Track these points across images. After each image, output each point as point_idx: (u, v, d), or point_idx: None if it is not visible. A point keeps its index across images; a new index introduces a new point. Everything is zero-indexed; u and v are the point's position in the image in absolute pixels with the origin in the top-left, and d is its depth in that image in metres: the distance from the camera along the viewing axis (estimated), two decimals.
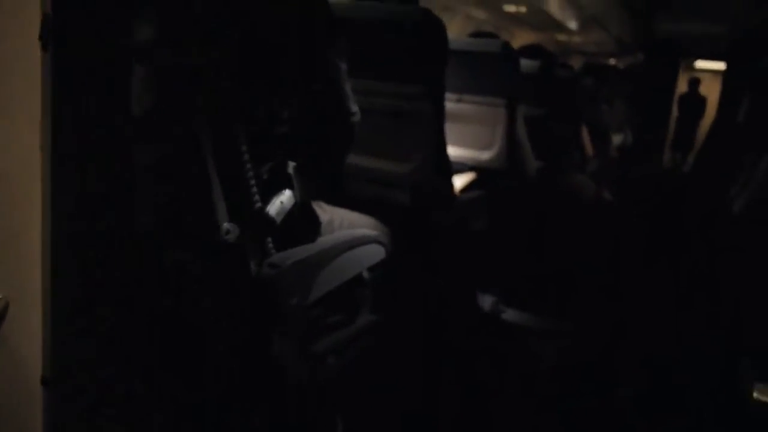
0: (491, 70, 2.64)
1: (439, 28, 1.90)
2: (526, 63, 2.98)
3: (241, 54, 1.09)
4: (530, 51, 3.47)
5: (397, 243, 1.78)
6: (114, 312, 1.13)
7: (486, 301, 2.98)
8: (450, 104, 2.77)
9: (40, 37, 1.01)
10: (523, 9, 5.18)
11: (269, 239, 1.27)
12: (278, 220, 1.23)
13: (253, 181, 1.19)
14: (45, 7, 1.00)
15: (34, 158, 1.08)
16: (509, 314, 2.96)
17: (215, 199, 1.14)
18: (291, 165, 1.28)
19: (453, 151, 2.76)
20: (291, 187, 1.28)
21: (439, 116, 1.98)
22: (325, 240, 1.47)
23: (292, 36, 1.18)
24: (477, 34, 3.23)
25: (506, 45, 2.64)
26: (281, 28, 1.15)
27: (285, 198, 1.26)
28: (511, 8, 5.15)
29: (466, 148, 2.75)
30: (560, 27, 6.05)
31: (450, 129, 2.76)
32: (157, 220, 1.05)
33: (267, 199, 1.24)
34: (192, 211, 1.11)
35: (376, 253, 1.64)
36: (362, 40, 2.00)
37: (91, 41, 0.96)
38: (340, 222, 1.59)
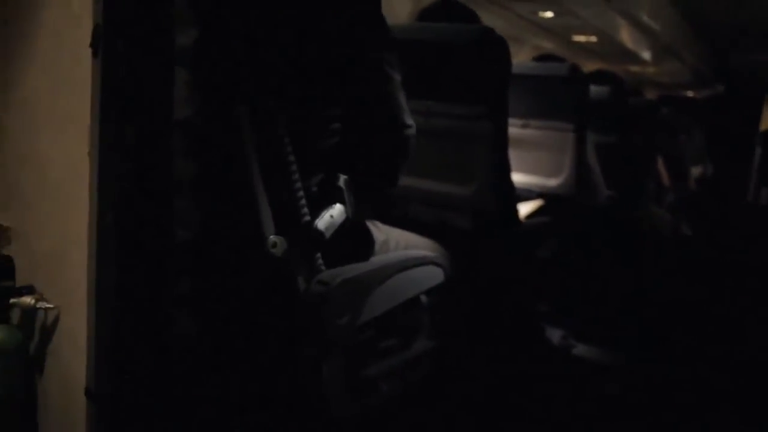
0: (559, 94, 2.55)
1: (501, 48, 1.84)
2: (596, 89, 2.87)
3: (287, 60, 1.06)
4: (599, 77, 3.34)
5: (457, 267, 1.69)
6: (159, 324, 1.09)
7: (554, 334, 2.82)
8: (516, 129, 2.69)
9: (91, 45, 1.01)
10: (593, 38, 5.03)
11: (318, 255, 1.22)
12: (327, 234, 1.18)
13: (301, 193, 1.15)
14: (96, 18, 1.00)
15: (83, 166, 1.07)
16: (580, 349, 2.78)
17: (261, 210, 1.10)
18: (342, 178, 1.23)
19: (519, 178, 2.66)
20: (342, 202, 1.23)
21: (501, 138, 1.90)
22: (378, 259, 1.41)
23: (342, 43, 1.14)
24: (543, 58, 3.15)
25: (574, 68, 2.55)
26: (330, 34, 1.12)
27: (335, 212, 1.21)
28: (580, 38, 5.01)
29: (532, 175, 2.65)
30: (633, 57, 5.84)
31: (516, 155, 2.67)
32: (199, 231, 1.02)
33: (316, 212, 1.19)
34: (236, 223, 1.07)
35: (433, 275, 1.57)
36: (424, 61, 1.96)
37: (138, 47, 0.94)
38: (396, 243, 1.53)
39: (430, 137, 1.94)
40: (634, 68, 6.63)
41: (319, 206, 1.20)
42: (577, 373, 2.61)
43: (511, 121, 2.65)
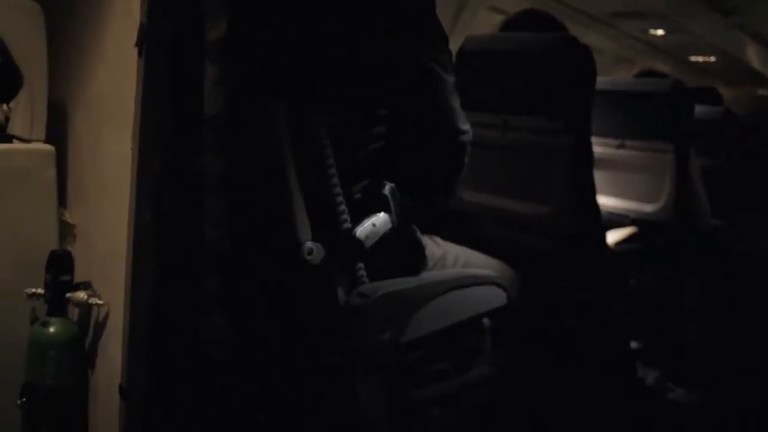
0: (659, 112, 2.35)
1: (585, 57, 1.72)
2: (701, 109, 2.63)
3: (327, 56, 1.01)
4: (705, 95, 3.07)
5: (531, 291, 1.58)
6: (193, 324, 1.07)
7: (648, 375, 2.58)
8: (610, 150, 2.52)
9: (136, 44, 1.02)
10: (711, 59, 4.68)
11: (360, 266, 1.16)
12: (367, 243, 1.12)
13: (341, 198, 1.10)
14: (142, 17, 1.01)
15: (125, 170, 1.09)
16: (678, 394, 2.53)
17: (296, 213, 1.06)
18: (387, 186, 1.17)
19: (612, 202, 2.49)
20: (386, 210, 1.17)
21: (584, 154, 1.77)
22: (430, 274, 1.33)
23: (388, 41, 1.08)
24: (645, 74, 2.94)
25: (677, 84, 2.35)
26: (375, 30, 1.07)
27: (378, 221, 1.15)
28: (698, 58, 4.68)
29: (626, 199, 2.46)
30: (761, 79, 5.39)
31: (609, 177, 2.49)
32: (228, 230, 0.99)
33: (359, 220, 1.14)
34: (270, 226, 1.03)
35: (493, 296, 1.46)
36: (501, 73, 1.88)
37: (172, 44, 0.94)
38: (454, 259, 1.44)
39: (506, 152, 1.85)
40: (762, 92, 6.11)
41: (362, 214, 1.15)
42: (674, 420, 2.36)
43: (605, 140, 2.50)
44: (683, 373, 2.53)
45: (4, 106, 1.35)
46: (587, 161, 1.81)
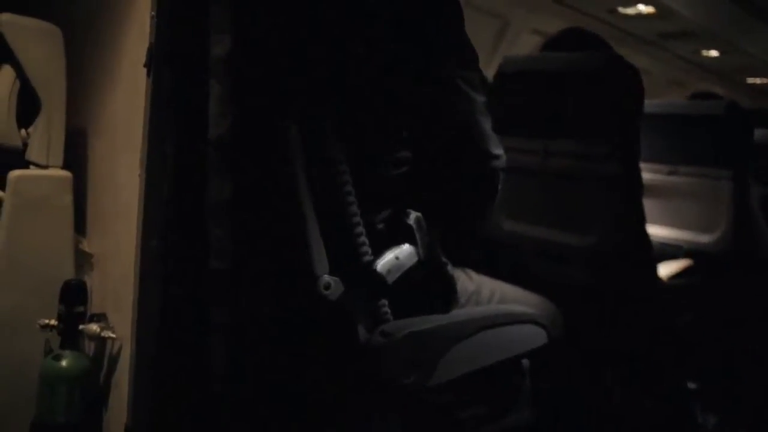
0: (714, 136, 2.22)
1: (632, 77, 1.61)
2: (760, 132, 2.47)
3: (343, 72, 0.94)
4: (764, 118, 2.89)
5: (573, 329, 1.47)
6: (200, 359, 1.00)
7: (708, 420, 2.39)
8: (660, 176, 2.38)
9: (145, 65, 0.98)
10: None
11: (383, 302, 1.08)
12: (389, 278, 1.03)
13: (360, 228, 1.02)
14: (150, 37, 0.97)
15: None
16: None
17: (312, 245, 0.98)
18: (413, 215, 1.08)
19: (663, 232, 2.34)
20: (411, 242, 1.08)
21: (632, 180, 1.65)
22: (462, 312, 1.23)
23: (411, 54, 1.01)
24: (698, 96, 2.79)
25: (733, 106, 2.21)
26: (396, 41, 0.99)
27: (402, 254, 1.06)
28: (755, 80, 4.48)
29: (679, 229, 2.32)
30: None
31: (660, 205, 2.35)
32: (234, 261, 0.92)
33: (380, 252, 1.05)
34: (282, 258, 0.96)
35: (532, 335, 1.35)
36: (541, 95, 1.78)
37: (177, 63, 0.89)
38: (490, 294, 1.34)
39: (546, 179, 1.75)
40: None
41: (385, 246, 1.07)
42: None
43: (655, 166, 2.37)
44: (745, 418, 2.35)
45: (23, 131, 1.33)
46: (636, 188, 1.69)
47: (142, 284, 1.01)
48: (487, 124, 1.11)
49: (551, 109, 1.73)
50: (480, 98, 1.10)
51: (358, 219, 1.00)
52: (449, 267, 1.23)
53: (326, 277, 1.00)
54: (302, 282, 0.99)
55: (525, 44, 3.38)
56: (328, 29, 0.92)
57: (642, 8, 3.40)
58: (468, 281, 1.33)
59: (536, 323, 1.36)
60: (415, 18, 1.01)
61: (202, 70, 0.88)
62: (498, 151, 1.14)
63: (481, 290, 1.33)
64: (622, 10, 3.41)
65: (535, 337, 1.36)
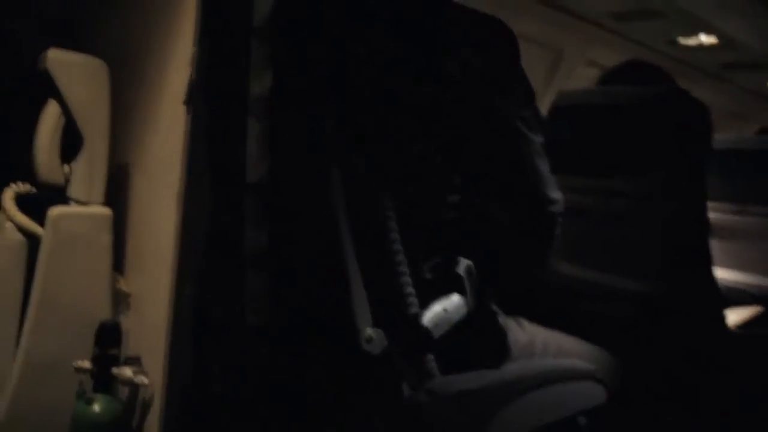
0: None
1: (698, 111, 1.51)
2: None
3: (389, 113, 0.88)
4: None
5: (628, 383, 1.35)
6: (234, 417, 0.94)
7: None
8: (727, 216, 2.24)
9: (185, 102, 0.94)
10: None
11: (430, 357, 1.00)
12: (436, 332, 0.96)
13: (407, 279, 0.95)
14: (191, 73, 0.93)
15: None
16: None
17: (354, 296, 0.91)
18: (462, 264, 1.01)
19: (731, 276, 2.19)
20: (461, 292, 1.00)
21: (698, 221, 1.53)
22: (515, 367, 1.14)
23: (464, 93, 0.94)
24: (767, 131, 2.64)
25: None
26: (447, 79, 0.93)
27: (451, 305, 0.99)
28: None
29: (747, 272, 2.16)
30: None
31: (727, 248, 2.21)
32: (272, 318, 0.86)
33: (427, 303, 0.98)
34: (322, 310, 0.90)
35: (591, 393, 1.25)
36: (595, 131, 1.69)
37: (217, 101, 0.84)
38: (543, 347, 1.25)
39: (604, 219, 1.65)
40: None
41: (432, 296, 0.99)
42: None
43: (721, 206, 2.23)
44: None
45: (65, 167, 1.32)
46: (702, 229, 1.57)
47: (174, 334, 0.96)
48: (544, 166, 1.03)
49: (609, 145, 1.63)
50: (537, 139, 1.02)
51: (404, 268, 0.93)
52: (500, 317, 1.15)
53: (369, 330, 0.93)
54: (343, 335, 0.92)
55: (580, 76, 3.28)
56: (375, 67, 0.87)
57: (704, 39, 3.26)
58: (520, 332, 1.24)
59: (594, 379, 1.26)
60: (468, 54, 0.95)
61: (241, 108, 0.83)
62: (556, 195, 1.06)
63: (534, 342, 1.24)
64: (682, 41, 3.28)
65: (592, 394, 1.25)
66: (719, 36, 3.25)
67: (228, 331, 0.92)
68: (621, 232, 1.59)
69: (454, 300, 1.00)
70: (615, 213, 1.60)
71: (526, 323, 1.29)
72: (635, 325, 1.51)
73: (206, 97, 0.88)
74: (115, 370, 1.21)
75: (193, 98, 0.92)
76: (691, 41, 3.27)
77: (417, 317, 0.95)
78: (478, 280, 1.05)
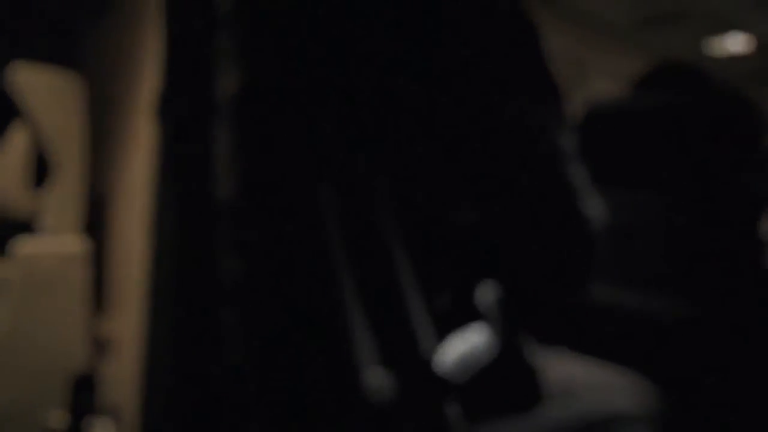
0: None
1: (751, 114, 1.35)
2: None
3: (390, 111, 0.74)
4: None
5: (682, 421, 1.18)
6: None
7: None
8: None
9: (154, 113, 0.81)
10: None
11: (451, 405, 0.84)
12: (457, 378, 0.80)
13: (420, 314, 0.79)
14: (159, 84, 0.80)
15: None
16: None
17: (355, 336, 0.76)
18: (486, 293, 0.85)
19: None
20: (486, 328, 0.84)
21: (753, 237, 1.36)
22: (551, 412, 0.97)
23: (482, 92, 0.79)
24: None
25: None
26: (462, 74, 0.78)
27: (473, 343, 0.83)
28: None
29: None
30: None
31: None
32: (252, 365, 0.71)
33: (444, 341, 0.82)
34: (312, 354, 0.74)
35: None
36: (633, 140, 1.53)
37: (181, 108, 0.71)
38: (583, 383, 1.08)
39: (644, 235, 1.48)
40: None
41: (450, 331, 0.84)
42: None
43: None
44: None
45: (32, 193, 1.18)
46: (757, 246, 1.40)
47: (145, 383, 0.81)
48: (579, 178, 0.87)
49: (647, 156, 1.47)
50: (566, 143, 0.86)
51: (416, 302, 0.78)
52: (531, 351, 0.98)
53: (374, 371, 0.77)
54: (340, 385, 0.77)
55: (603, 92, 3.14)
56: (371, 56, 0.72)
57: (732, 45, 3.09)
58: (557, 364, 1.07)
59: (641, 422, 1.09)
60: (486, 46, 0.80)
61: (208, 115, 0.70)
62: (593, 211, 0.89)
63: (574, 376, 1.08)
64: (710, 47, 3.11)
65: None
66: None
67: (207, 380, 0.77)
68: (665, 249, 1.42)
69: (476, 336, 0.84)
70: (657, 228, 1.43)
71: (561, 354, 1.13)
72: (686, 355, 1.34)
73: (170, 108, 0.75)
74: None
75: (162, 110, 0.78)
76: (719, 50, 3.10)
77: (432, 358, 0.79)
78: (505, 311, 0.89)
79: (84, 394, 1.09)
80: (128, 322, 1.16)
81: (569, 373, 1.08)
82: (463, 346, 0.82)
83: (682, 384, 1.29)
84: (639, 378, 1.17)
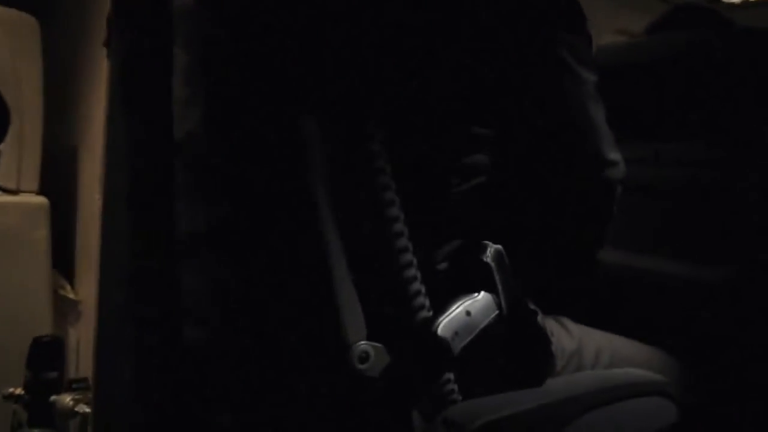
0: None
1: None
2: None
3: (384, 34, 0.64)
4: None
5: (703, 394, 1.11)
6: None
7: None
8: None
9: (105, 43, 0.71)
10: None
11: (449, 377, 0.75)
12: (456, 344, 0.71)
13: (414, 272, 0.70)
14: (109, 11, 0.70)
15: None
16: None
17: (341, 299, 0.67)
18: (491, 249, 0.76)
19: None
20: (490, 288, 0.76)
21: None
22: (559, 383, 0.89)
23: (491, 8, 0.69)
24: None
25: None
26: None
27: (475, 307, 0.74)
28: None
29: None
30: None
31: None
32: (218, 328, 0.62)
33: (443, 305, 0.73)
34: (294, 318, 0.65)
35: (659, 411, 1.01)
36: (651, 88, 1.43)
37: (137, 40, 0.61)
38: (595, 354, 1.01)
39: (660, 193, 1.38)
40: None
41: (449, 294, 0.75)
42: None
43: None
44: None
45: None
46: None
47: (100, 354, 0.72)
48: (600, 116, 0.78)
49: (665, 104, 1.37)
50: (591, 78, 0.77)
51: (410, 257, 0.69)
52: (539, 318, 0.90)
53: (363, 345, 0.69)
54: (327, 353, 0.68)
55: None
56: None
57: None
58: (566, 336, 0.99)
59: (662, 393, 1.01)
60: None
61: (166, 37, 0.59)
62: (614, 155, 0.81)
63: (582, 349, 1.00)
64: None
65: (661, 412, 1.01)
66: None
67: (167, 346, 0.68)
68: (684, 209, 1.33)
69: (480, 299, 0.75)
70: (676, 186, 1.33)
71: (570, 324, 1.04)
72: (707, 323, 1.25)
73: (120, 30, 0.64)
74: (53, 398, 0.98)
75: (113, 41, 0.68)
76: None
77: (430, 324, 0.71)
78: (511, 270, 0.80)
79: (48, 358, 1.01)
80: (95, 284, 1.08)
81: (578, 344, 1.00)
82: (464, 308, 0.73)
83: (704, 354, 1.21)
84: (654, 348, 1.10)
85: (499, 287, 0.77)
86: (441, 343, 0.70)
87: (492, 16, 0.72)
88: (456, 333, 0.71)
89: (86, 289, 1.13)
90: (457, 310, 0.72)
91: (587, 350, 1.00)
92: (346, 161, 0.64)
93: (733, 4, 3.05)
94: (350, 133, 0.65)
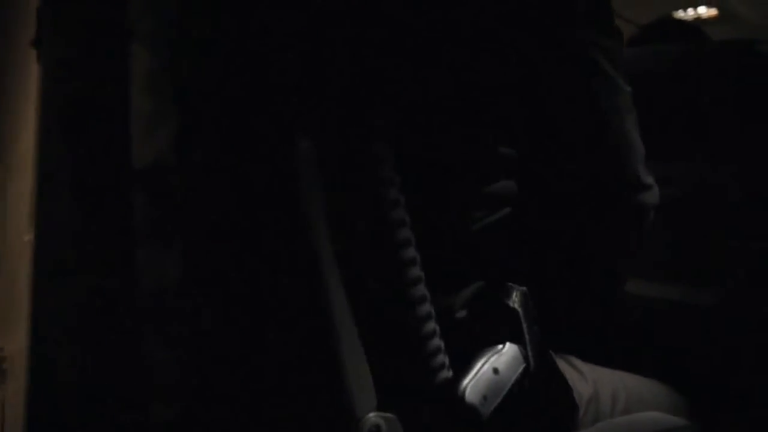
0: None
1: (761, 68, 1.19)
2: None
3: (395, 47, 0.53)
4: None
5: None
6: None
7: None
8: None
9: (34, 43, 0.57)
10: None
11: None
12: (485, 409, 0.59)
13: (434, 325, 0.58)
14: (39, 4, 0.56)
15: None
16: None
17: (347, 359, 0.54)
18: (517, 291, 0.65)
19: None
20: (516, 338, 0.64)
21: None
22: None
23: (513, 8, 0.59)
24: None
25: None
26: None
27: (503, 361, 0.63)
28: None
29: None
30: None
31: None
32: (190, 408, 0.48)
33: (462, 361, 0.61)
34: (289, 384, 0.52)
35: None
36: (646, 102, 1.36)
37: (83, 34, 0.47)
38: (611, 398, 0.90)
39: (664, 215, 1.31)
40: None
41: (470, 346, 0.63)
42: None
43: None
44: None
45: None
46: None
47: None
48: (636, 132, 0.68)
49: (664, 120, 1.29)
50: (626, 87, 0.67)
51: (428, 308, 0.56)
52: (558, 365, 0.79)
53: (373, 418, 0.56)
54: (333, 428, 0.55)
55: None
56: None
57: (703, 11, 3.04)
58: (579, 380, 0.88)
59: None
60: None
61: (120, 37, 0.46)
62: (649, 178, 0.71)
63: (599, 393, 0.89)
64: (680, 14, 3.06)
65: None
66: (720, 9, 3.04)
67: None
68: (683, 230, 1.25)
69: (505, 352, 0.63)
70: (680, 205, 1.26)
71: (579, 364, 0.94)
72: (724, 355, 1.17)
73: (58, 28, 0.51)
74: None
75: (44, 40, 0.54)
76: (689, 13, 3.06)
77: (452, 387, 0.58)
78: (536, 314, 0.69)
79: None
80: (21, 336, 0.91)
81: (593, 387, 0.89)
82: (490, 365, 0.61)
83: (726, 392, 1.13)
84: (671, 388, 1.00)
85: (527, 337, 0.65)
86: (469, 410, 0.58)
87: (509, 15, 0.62)
88: (485, 397, 0.59)
89: (8, 343, 0.96)
90: (483, 368, 0.60)
91: (603, 394, 0.89)
92: (352, 192, 0.52)
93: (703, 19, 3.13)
94: (353, 155, 0.53)
